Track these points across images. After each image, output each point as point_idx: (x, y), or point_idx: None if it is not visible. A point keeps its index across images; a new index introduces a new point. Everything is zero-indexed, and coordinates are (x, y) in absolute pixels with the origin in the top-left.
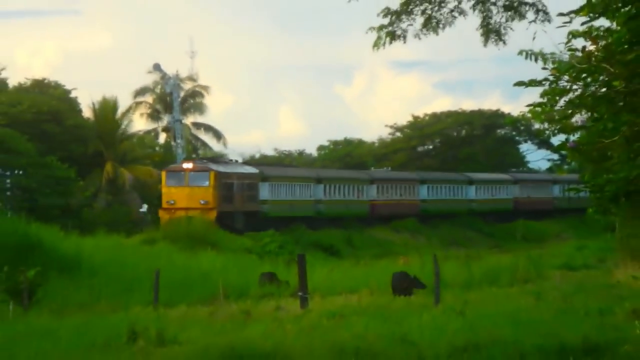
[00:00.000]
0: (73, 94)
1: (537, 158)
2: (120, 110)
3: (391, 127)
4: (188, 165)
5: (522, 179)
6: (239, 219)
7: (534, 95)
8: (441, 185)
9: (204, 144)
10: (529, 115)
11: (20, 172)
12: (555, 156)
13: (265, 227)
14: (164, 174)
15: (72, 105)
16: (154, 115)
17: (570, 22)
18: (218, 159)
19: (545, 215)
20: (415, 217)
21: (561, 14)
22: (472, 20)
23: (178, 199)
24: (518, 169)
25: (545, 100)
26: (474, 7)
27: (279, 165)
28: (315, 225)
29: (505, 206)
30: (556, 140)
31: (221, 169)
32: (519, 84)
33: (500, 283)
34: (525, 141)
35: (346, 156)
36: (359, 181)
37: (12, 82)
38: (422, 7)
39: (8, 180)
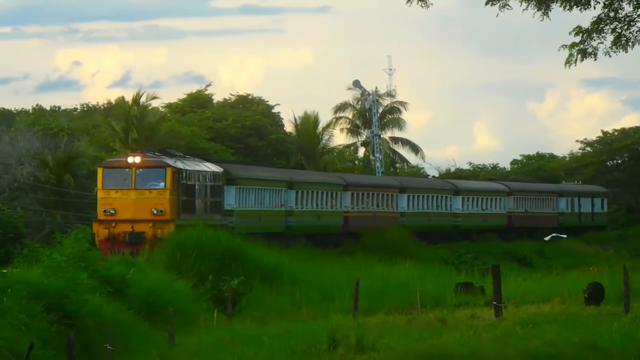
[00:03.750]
0: (275, 109)
1: None
2: (321, 125)
3: (581, 142)
4: (135, 158)
5: (519, 190)
6: None
7: None
8: (422, 195)
9: (402, 158)
10: None
11: None
12: None
13: None
14: (100, 171)
15: (275, 120)
16: (354, 130)
17: None
18: (173, 151)
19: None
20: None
21: None
22: None
23: (120, 207)
24: None
25: None
26: None
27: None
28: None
29: (496, 222)
30: None
31: (180, 165)
32: None
33: None
34: None
35: (538, 170)
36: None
37: (217, 98)
38: (612, 26)
39: None
